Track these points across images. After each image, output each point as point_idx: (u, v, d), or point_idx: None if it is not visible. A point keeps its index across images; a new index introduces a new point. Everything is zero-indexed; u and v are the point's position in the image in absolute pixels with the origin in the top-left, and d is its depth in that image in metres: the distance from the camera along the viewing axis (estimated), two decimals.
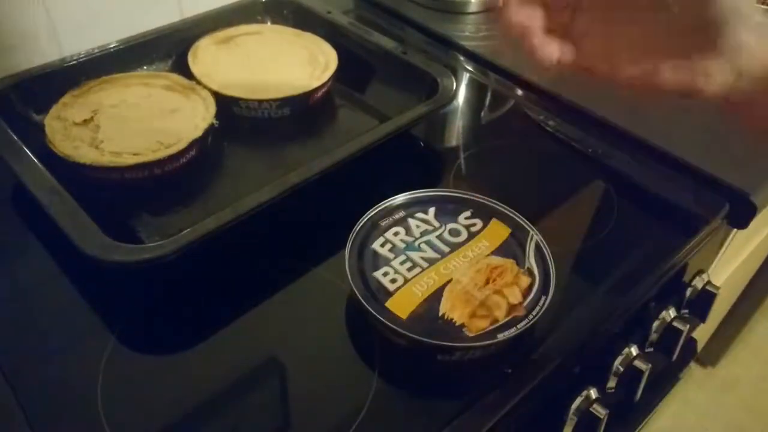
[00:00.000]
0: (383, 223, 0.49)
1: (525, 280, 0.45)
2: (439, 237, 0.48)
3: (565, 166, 0.64)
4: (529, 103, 0.71)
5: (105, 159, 0.52)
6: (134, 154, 0.52)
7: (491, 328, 0.42)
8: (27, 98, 0.58)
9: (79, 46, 0.64)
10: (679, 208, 0.58)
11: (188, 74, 0.62)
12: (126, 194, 0.53)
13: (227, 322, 0.46)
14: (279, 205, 0.48)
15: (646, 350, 0.58)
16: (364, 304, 0.43)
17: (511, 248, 0.48)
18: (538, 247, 0.47)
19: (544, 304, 0.43)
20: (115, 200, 0.52)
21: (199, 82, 0.61)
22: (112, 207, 0.51)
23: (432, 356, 0.43)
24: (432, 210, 0.50)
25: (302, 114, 0.63)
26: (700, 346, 0.75)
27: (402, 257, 0.46)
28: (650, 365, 0.53)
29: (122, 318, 0.46)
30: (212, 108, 0.58)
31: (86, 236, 0.43)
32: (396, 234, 0.48)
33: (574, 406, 0.48)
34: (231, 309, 0.47)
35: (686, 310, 0.62)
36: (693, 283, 0.61)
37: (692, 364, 1.00)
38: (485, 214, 0.50)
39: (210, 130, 0.56)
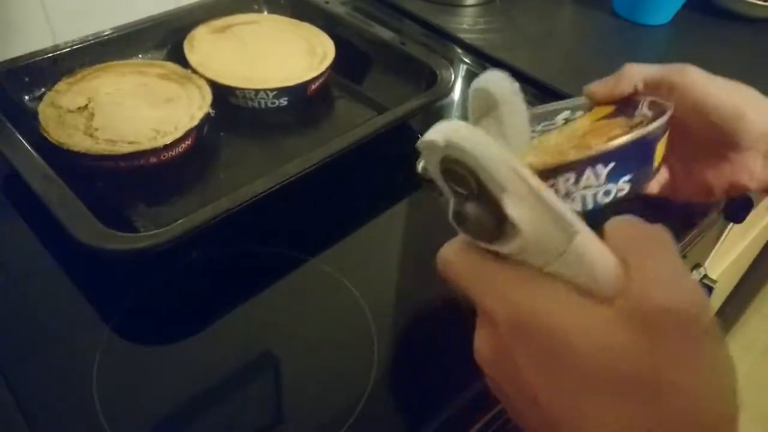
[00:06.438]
0: None
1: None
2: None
3: None
4: (527, 97, 0.70)
5: (99, 147, 0.51)
6: (129, 143, 0.52)
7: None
8: (21, 85, 0.58)
9: (73, 33, 0.63)
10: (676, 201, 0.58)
11: (184, 63, 0.62)
12: (121, 183, 0.53)
13: (223, 313, 0.46)
14: (275, 195, 0.48)
15: None
16: None
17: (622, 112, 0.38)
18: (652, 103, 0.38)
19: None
20: (110, 189, 0.52)
21: (195, 71, 0.60)
22: (107, 196, 0.51)
23: None
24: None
25: (299, 104, 0.63)
26: None
27: None
28: None
29: (117, 308, 0.46)
30: (208, 97, 0.58)
31: (81, 225, 0.43)
32: None
33: None
34: (227, 300, 0.47)
35: None
36: None
37: None
38: (585, 107, 0.41)
39: (206, 120, 0.56)
